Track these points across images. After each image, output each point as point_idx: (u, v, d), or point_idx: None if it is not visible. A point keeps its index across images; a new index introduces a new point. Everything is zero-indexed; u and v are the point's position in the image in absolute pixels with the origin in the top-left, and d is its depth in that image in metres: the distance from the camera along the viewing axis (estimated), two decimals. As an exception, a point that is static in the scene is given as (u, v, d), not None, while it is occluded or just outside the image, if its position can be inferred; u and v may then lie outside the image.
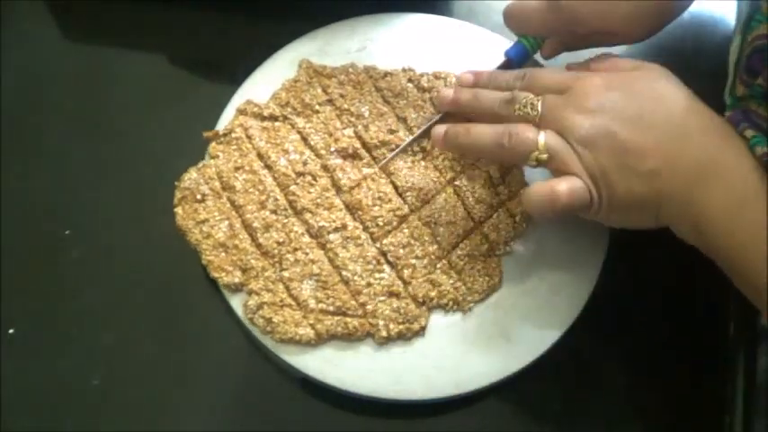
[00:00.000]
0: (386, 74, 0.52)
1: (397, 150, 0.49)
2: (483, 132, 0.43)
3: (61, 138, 0.54)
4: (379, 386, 0.45)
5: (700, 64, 0.54)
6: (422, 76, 0.52)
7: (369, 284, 0.46)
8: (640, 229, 0.42)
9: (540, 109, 0.42)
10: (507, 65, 0.50)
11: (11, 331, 0.47)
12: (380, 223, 0.47)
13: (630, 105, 0.40)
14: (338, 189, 0.48)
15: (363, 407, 0.45)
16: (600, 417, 0.47)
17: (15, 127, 0.54)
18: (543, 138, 0.41)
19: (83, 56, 0.57)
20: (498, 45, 0.54)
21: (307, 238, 0.47)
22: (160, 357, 0.47)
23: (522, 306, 0.47)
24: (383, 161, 0.49)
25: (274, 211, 0.48)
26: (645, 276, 0.48)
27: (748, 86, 0.42)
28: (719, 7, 0.57)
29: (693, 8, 0.49)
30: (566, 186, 0.40)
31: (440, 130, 0.46)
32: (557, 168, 0.41)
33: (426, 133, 0.49)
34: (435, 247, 0.47)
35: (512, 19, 0.49)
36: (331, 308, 0.45)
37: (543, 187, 0.40)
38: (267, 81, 0.53)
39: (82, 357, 0.47)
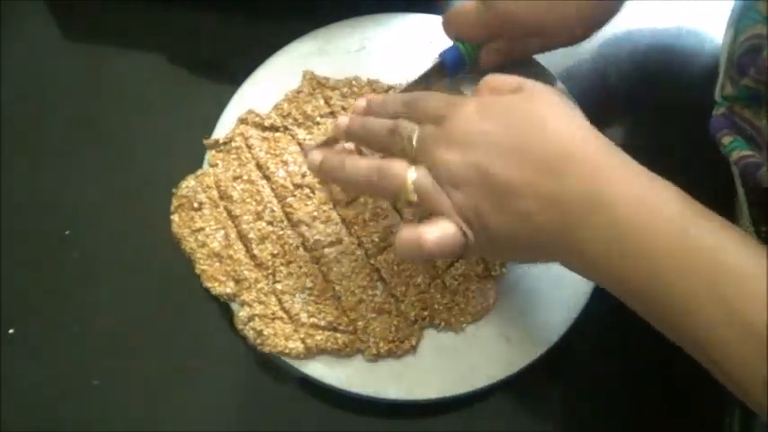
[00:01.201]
0: (389, 87, 0.52)
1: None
2: (357, 167, 0.41)
3: (61, 138, 0.54)
4: (378, 386, 0.45)
5: (695, 63, 0.54)
6: None
7: (361, 301, 0.45)
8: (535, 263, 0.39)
9: (414, 144, 0.39)
10: (440, 66, 0.50)
11: (11, 331, 0.47)
12: (376, 239, 0.47)
13: (505, 137, 0.37)
14: (335, 203, 0.48)
15: (363, 407, 0.45)
16: (600, 417, 0.47)
17: (15, 127, 0.54)
18: (412, 177, 0.38)
19: (83, 56, 0.57)
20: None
21: (301, 251, 0.47)
22: (160, 357, 0.47)
23: (522, 306, 0.47)
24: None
25: (270, 223, 0.47)
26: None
27: (736, 86, 0.41)
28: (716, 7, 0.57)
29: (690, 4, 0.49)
30: (435, 234, 0.37)
31: (315, 157, 0.43)
32: (428, 209, 0.38)
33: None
34: (430, 265, 0.47)
35: (448, 24, 0.49)
36: (322, 323, 0.45)
37: (412, 234, 0.37)
38: (267, 81, 0.53)
39: (82, 357, 0.47)
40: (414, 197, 0.38)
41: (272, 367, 0.46)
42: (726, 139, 0.39)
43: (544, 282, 0.47)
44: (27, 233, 0.50)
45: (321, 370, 0.45)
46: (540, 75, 0.52)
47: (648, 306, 0.34)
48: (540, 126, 0.37)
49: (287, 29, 0.55)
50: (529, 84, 0.39)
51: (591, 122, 0.38)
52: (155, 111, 0.54)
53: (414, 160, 0.39)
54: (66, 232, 0.50)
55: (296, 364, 0.45)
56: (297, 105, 0.51)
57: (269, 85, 0.53)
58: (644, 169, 0.35)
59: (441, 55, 0.50)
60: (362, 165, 0.41)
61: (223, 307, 0.47)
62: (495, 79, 0.40)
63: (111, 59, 0.56)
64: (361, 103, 0.45)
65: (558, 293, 0.47)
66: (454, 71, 0.50)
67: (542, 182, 0.35)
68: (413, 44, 0.54)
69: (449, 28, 0.49)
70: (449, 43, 0.50)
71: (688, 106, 0.47)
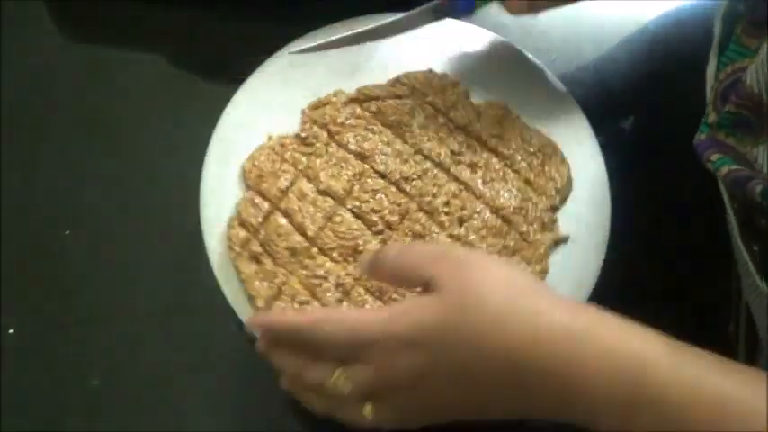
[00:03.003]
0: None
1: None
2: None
3: (61, 138, 0.54)
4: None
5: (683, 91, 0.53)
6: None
7: None
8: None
9: (348, 394, 0.35)
10: (446, 6, 0.49)
11: (11, 331, 0.47)
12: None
13: (441, 372, 0.33)
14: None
15: (363, 407, 0.45)
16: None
17: (15, 127, 0.54)
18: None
19: (83, 56, 0.57)
20: (498, 45, 0.54)
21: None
22: (160, 357, 0.47)
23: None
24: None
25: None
26: (645, 276, 0.48)
27: (718, 113, 0.41)
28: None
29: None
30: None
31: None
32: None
33: None
34: None
35: None
36: None
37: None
38: (267, 81, 0.53)
39: (82, 357, 0.47)
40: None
41: (273, 367, 0.46)
42: (714, 156, 0.39)
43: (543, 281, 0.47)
44: (27, 233, 0.50)
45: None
46: (543, 79, 0.53)
47: None
48: (476, 344, 0.32)
49: (287, 29, 0.54)
50: (441, 269, 0.34)
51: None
52: (155, 111, 0.54)
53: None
54: (66, 232, 0.50)
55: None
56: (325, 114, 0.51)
57: (269, 86, 0.53)
58: (612, 324, 0.32)
59: None
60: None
61: (224, 306, 0.47)
62: (397, 266, 0.36)
63: (112, 59, 0.56)
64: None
65: (558, 293, 0.47)
66: (459, 14, 0.49)
67: (512, 405, 0.33)
68: (413, 44, 0.54)
69: None
70: None
71: (687, 111, 0.47)
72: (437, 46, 0.54)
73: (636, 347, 0.31)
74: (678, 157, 0.51)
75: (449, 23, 0.55)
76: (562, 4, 0.48)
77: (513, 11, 0.49)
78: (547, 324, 0.32)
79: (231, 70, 0.54)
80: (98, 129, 0.54)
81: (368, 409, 0.35)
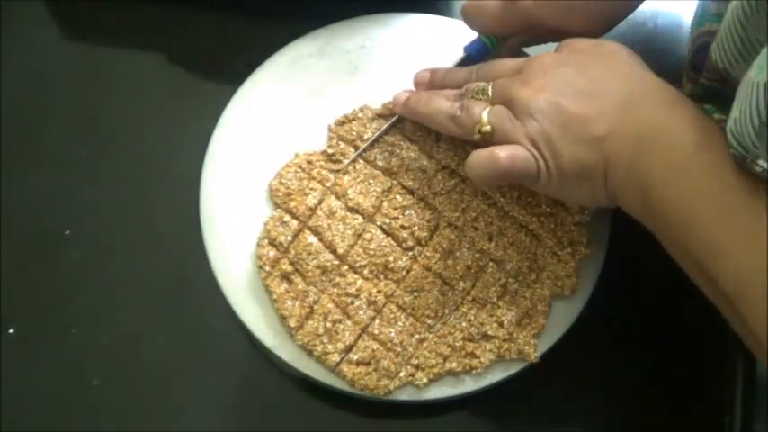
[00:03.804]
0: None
1: (357, 153, 0.49)
2: (440, 104, 0.44)
3: (61, 138, 0.54)
4: (379, 386, 0.45)
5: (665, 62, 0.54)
6: None
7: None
8: (593, 205, 0.42)
9: (490, 92, 0.42)
10: (466, 61, 0.50)
11: (11, 331, 0.47)
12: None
13: (577, 79, 0.40)
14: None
15: (363, 407, 0.45)
16: (600, 417, 0.47)
17: (15, 127, 0.54)
18: (487, 111, 0.41)
19: (83, 56, 0.57)
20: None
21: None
22: (160, 357, 0.47)
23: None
24: (345, 163, 0.49)
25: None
26: (645, 276, 0.48)
27: (694, 84, 0.42)
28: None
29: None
30: (506, 152, 0.40)
31: (402, 96, 0.48)
32: (501, 141, 0.41)
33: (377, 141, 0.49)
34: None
35: (469, 18, 0.49)
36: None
37: (484, 152, 0.40)
38: (267, 81, 0.53)
39: (82, 357, 0.47)
40: (488, 129, 0.41)
41: (273, 367, 0.46)
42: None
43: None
44: (27, 233, 0.50)
45: (322, 371, 0.45)
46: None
47: (686, 246, 0.36)
48: (609, 70, 0.41)
49: (287, 29, 0.54)
50: (605, 42, 0.43)
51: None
52: (155, 111, 0.54)
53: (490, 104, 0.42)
54: (67, 232, 0.50)
55: (296, 363, 0.45)
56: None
57: (269, 86, 0.53)
58: (701, 112, 0.38)
59: (466, 49, 0.50)
60: (446, 103, 0.44)
61: (224, 306, 0.47)
62: (572, 41, 0.43)
63: (111, 59, 0.56)
64: (424, 74, 0.49)
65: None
66: (479, 61, 0.49)
67: (610, 113, 0.39)
68: (413, 44, 0.54)
69: (471, 21, 0.49)
70: (470, 35, 0.50)
71: None
72: (437, 44, 0.54)
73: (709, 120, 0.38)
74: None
75: (448, 23, 0.56)
76: (551, 41, 0.49)
77: (510, 54, 0.49)
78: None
79: (231, 70, 0.54)
80: (98, 129, 0.54)
81: (487, 108, 0.41)
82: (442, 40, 0.55)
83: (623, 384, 0.47)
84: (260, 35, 0.56)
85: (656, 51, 0.56)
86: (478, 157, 0.40)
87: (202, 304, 0.48)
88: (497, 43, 0.49)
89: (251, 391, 0.46)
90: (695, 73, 0.42)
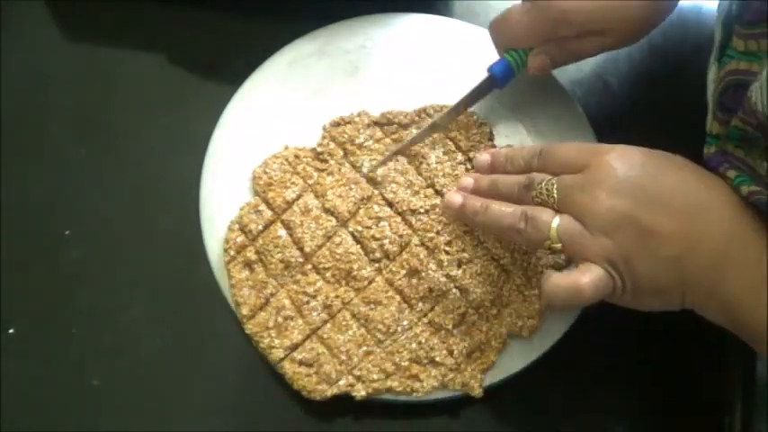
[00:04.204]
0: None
1: (384, 158, 0.49)
2: (501, 214, 0.42)
3: (61, 138, 0.54)
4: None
5: (683, 92, 0.52)
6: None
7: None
8: (665, 310, 0.40)
9: (556, 195, 0.40)
10: (490, 81, 0.49)
11: (11, 331, 0.47)
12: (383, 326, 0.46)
13: (650, 186, 0.38)
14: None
15: (363, 407, 0.45)
16: (600, 417, 0.47)
17: (15, 127, 0.54)
18: (557, 223, 0.39)
19: (83, 56, 0.57)
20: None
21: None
22: (160, 358, 0.47)
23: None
24: (370, 168, 0.48)
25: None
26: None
27: (723, 124, 0.41)
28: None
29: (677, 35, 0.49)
30: (589, 279, 0.38)
31: (455, 199, 0.44)
32: (573, 255, 0.39)
33: (420, 138, 0.49)
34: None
35: (497, 30, 0.48)
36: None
37: (566, 281, 0.38)
38: (267, 81, 0.53)
39: (82, 357, 0.47)
40: (558, 246, 0.39)
41: (272, 367, 0.46)
42: (730, 173, 0.39)
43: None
44: (27, 233, 0.50)
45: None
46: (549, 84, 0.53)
47: None
48: (680, 174, 0.39)
49: (287, 29, 0.54)
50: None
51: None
52: (155, 111, 0.54)
53: (556, 210, 0.40)
54: (67, 232, 0.50)
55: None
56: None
57: (269, 86, 0.53)
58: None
59: (490, 70, 0.49)
60: (507, 212, 0.41)
61: (224, 307, 0.47)
62: (624, 147, 0.41)
63: (111, 59, 0.56)
64: (485, 158, 0.46)
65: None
66: (503, 83, 0.49)
67: (688, 227, 0.37)
68: (413, 44, 0.54)
69: (499, 38, 0.48)
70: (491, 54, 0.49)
71: (688, 111, 0.46)
72: (437, 44, 0.54)
73: None
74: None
75: (448, 23, 0.55)
76: (578, 53, 0.48)
77: (536, 70, 0.48)
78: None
79: (231, 70, 0.54)
80: (98, 128, 0.54)
81: (558, 217, 0.39)
82: (442, 40, 0.55)
83: (623, 384, 0.47)
84: (260, 35, 0.56)
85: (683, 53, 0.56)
86: (559, 285, 0.38)
87: (202, 304, 0.48)
88: (522, 64, 0.48)
89: (250, 392, 0.46)
90: (725, 113, 0.41)
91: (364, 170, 0.49)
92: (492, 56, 0.50)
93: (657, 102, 0.55)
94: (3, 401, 0.45)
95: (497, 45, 0.48)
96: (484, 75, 0.49)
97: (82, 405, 0.46)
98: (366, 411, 0.45)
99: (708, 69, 0.44)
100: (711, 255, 0.37)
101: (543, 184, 0.40)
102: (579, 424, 0.46)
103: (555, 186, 0.40)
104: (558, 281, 0.38)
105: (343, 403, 0.45)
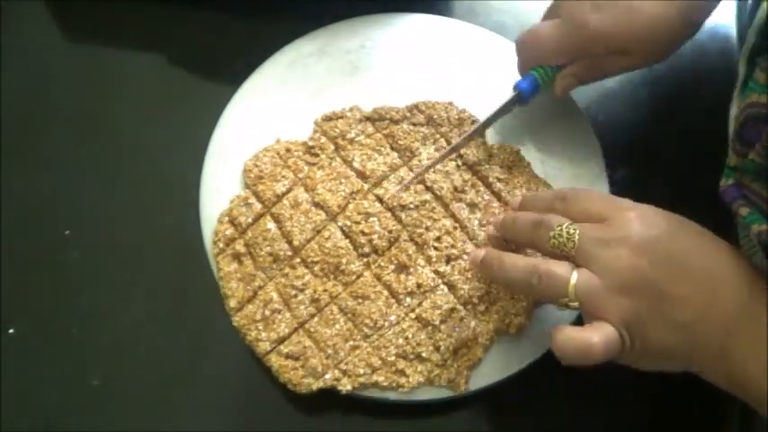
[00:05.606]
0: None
1: (407, 182, 0.48)
2: (514, 266, 0.41)
3: (61, 138, 0.54)
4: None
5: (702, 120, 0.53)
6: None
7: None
8: (670, 372, 0.40)
9: (577, 242, 0.38)
10: (517, 98, 0.49)
11: (11, 331, 0.47)
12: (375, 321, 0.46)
13: (671, 249, 0.38)
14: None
15: (363, 407, 0.45)
16: (600, 416, 0.47)
17: (15, 127, 0.54)
18: (575, 280, 0.38)
19: (83, 56, 0.57)
20: (498, 45, 0.54)
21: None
22: (160, 358, 0.47)
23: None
24: (394, 194, 0.48)
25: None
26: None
27: (741, 156, 0.40)
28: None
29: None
30: (601, 339, 0.37)
31: (478, 254, 0.44)
32: (588, 313, 0.38)
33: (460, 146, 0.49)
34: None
35: (525, 46, 0.47)
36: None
37: (576, 339, 0.37)
38: (267, 81, 0.53)
39: (82, 357, 0.47)
40: (575, 304, 0.38)
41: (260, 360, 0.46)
42: (743, 210, 0.38)
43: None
44: (27, 233, 0.50)
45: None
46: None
47: None
48: (698, 240, 0.39)
49: (287, 29, 0.55)
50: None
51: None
52: (155, 111, 0.54)
53: (573, 259, 0.39)
54: (66, 232, 0.50)
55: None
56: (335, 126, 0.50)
57: (269, 86, 0.53)
58: None
59: (517, 87, 0.48)
60: (521, 265, 0.40)
61: (224, 308, 0.47)
62: (645, 207, 0.40)
63: (111, 59, 0.56)
64: (517, 198, 0.46)
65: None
66: (529, 99, 0.49)
67: (703, 293, 0.37)
68: (413, 44, 0.54)
69: (528, 54, 0.47)
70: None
71: (704, 140, 0.46)
72: (437, 44, 0.54)
73: None
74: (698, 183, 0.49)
75: (448, 23, 0.56)
76: (604, 78, 0.48)
77: (563, 91, 0.48)
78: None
79: (231, 70, 0.54)
80: (98, 129, 0.54)
81: (575, 273, 0.38)
82: (442, 40, 0.55)
83: (623, 384, 0.47)
84: (260, 35, 0.56)
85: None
86: (569, 341, 0.37)
87: (202, 304, 0.48)
88: (550, 76, 0.48)
89: (250, 392, 0.46)
90: (744, 146, 0.40)
91: (387, 196, 0.48)
92: (492, 56, 0.50)
93: (675, 130, 0.55)
94: (3, 401, 0.45)
95: (524, 60, 0.48)
96: (484, 75, 0.49)
97: (82, 405, 0.46)
98: (365, 412, 0.45)
99: (731, 103, 0.43)
100: (723, 322, 0.37)
101: (564, 228, 0.39)
102: (579, 424, 0.46)
103: (577, 233, 0.39)
104: (571, 334, 0.37)
105: (343, 403, 0.45)
